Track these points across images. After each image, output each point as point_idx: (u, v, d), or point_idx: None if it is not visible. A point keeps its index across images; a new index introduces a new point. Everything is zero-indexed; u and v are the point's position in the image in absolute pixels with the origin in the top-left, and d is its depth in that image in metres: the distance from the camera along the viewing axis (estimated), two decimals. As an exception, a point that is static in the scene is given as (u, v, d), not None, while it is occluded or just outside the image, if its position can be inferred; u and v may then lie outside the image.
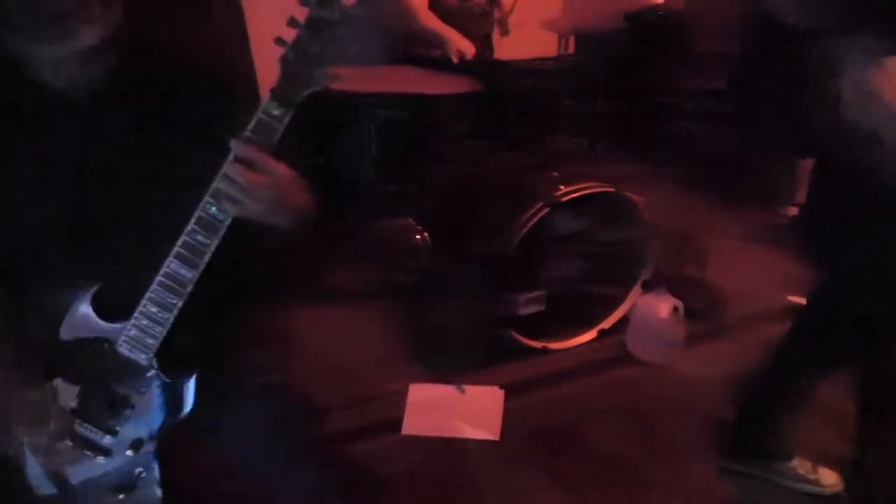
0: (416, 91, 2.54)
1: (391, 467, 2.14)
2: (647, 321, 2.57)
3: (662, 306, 2.56)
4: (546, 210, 2.36)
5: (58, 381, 1.21)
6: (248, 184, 1.05)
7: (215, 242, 1.09)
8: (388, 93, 2.60)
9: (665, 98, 2.87)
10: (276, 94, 1.04)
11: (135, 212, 1.16)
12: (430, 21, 2.81)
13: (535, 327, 2.57)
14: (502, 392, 2.44)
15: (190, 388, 1.22)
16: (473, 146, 2.77)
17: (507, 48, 3.06)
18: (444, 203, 2.78)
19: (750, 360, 2.26)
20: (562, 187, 2.41)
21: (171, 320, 1.13)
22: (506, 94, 2.64)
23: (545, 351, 2.62)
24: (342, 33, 1.01)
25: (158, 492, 1.27)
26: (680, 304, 2.58)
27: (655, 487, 2.08)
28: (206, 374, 1.24)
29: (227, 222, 1.09)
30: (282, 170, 1.08)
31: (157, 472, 1.27)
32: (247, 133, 1.06)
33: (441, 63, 2.78)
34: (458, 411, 2.39)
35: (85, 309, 1.17)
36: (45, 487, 1.24)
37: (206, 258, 1.09)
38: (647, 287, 2.67)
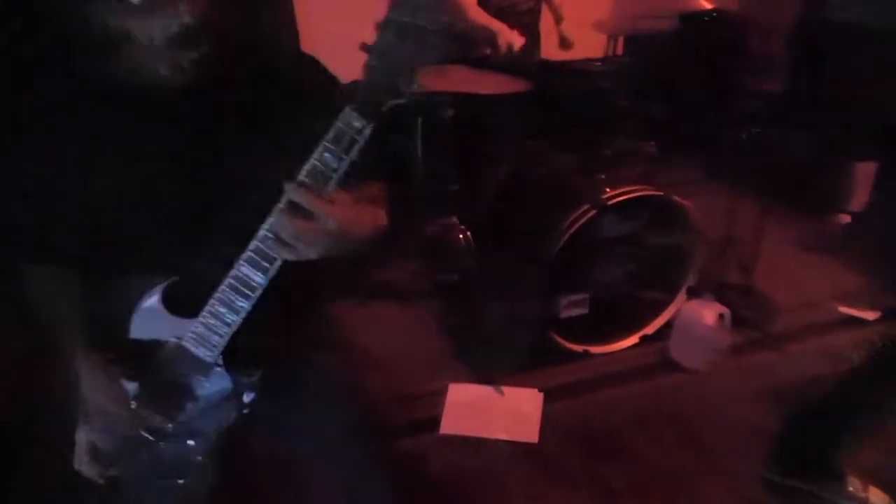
0: (465, 91, 2.53)
1: (428, 466, 2.15)
2: (691, 328, 2.53)
3: (708, 313, 2.51)
4: (592, 212, 2.34)
5: (120, 368, 1.23)
6: (301, 233, 1.01)
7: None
8: (436, 92, 2.60)
9: (718, 101, 2.81)
10: (358, 104, 0.98)
11: (213, 207, 1.15)
12: (478, 17, 2.81)
13: (578, 331, 2.55)
14: (541, 395, 2.43)
15: (254, 384, 1.22)
16: (520, 147, 2.75)
17: (555, 48, 3.04)
18: (488, 203, 2.77)
19: (798, 372, 2.22)
20: (608, 190, 2.38)
21: (238, 322, 1.13)
22: (554, 94, 2.62)
23: (586, 355, 2.59)
24: (430, 39, 0.95)
25: (213, 480, 1.29)
26: (726, 311, 2.53)
27: (699, 496, 2.05)
28: (272, 371, 1.24)
29: None
30: (342, 211, 1.02)
31: (213, 461, 1.28)
32: (301, 178, 1.00)
33: (491, 63, 2.78)
34: (496, 413, 2.38)
35: (155, 302, 1.18)
36: (101, 469, 1.27)
37: (278, 265, 1.07)
38: (693, 293, 2.62)
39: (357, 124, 0.98)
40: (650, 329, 2.67)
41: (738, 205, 2.71)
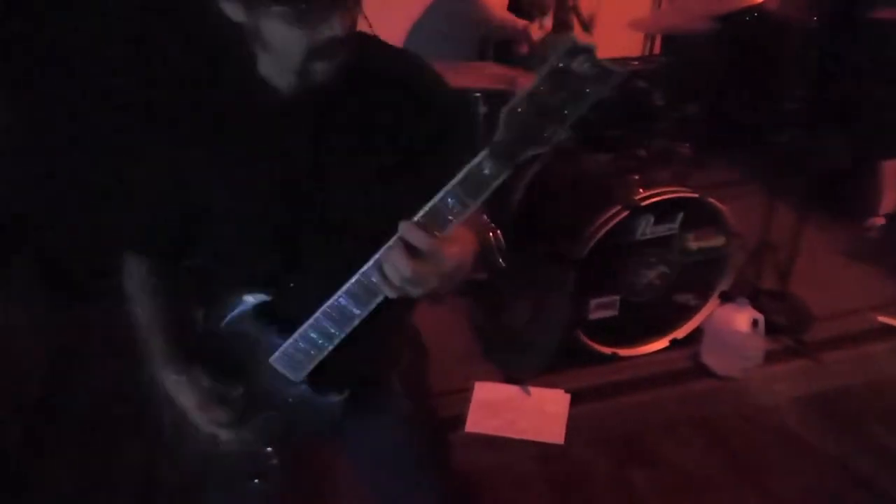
0: (498, 87, 2.51)
1: (454, 464, 2.14)
2: (724, 333, 2.48)
3: (741, 319, 2.46)
4: (625, 213, 2.31)
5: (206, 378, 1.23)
6: (413, 275, 0.95)
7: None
8: (469, 88, 2.59)
9: (756, 102, 2.75)
10: (495, 149, 0.89)
11: (323, 227, 1.13)
12: (507, 14, 2.79)
13: (606, 333, 2.52)
14: (568, 396, 2.41)
15: (339, 404, 1.22)
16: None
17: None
18: (519, 202, 2.74)
19: (833, 382, 2.16)
20: (641, 190, 2.34)
21: (329, 349, 1.11)
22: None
23: (615, 357, 2.56)
24: (588, 90, 0.84)
25: (287, 484, 1.32)
26: (760, 317, 2.47)
27: (728, 504, 2.01)
28: (359, 390, 1.23)
29: None
30: (454, 250, 0.98)
31: (289, 467, 1.30)
32: (418, 216, 0.94)
33: (525, 60, 2.76)
34: (522, 412, 2.36)
35: (248, 316, 1.17)
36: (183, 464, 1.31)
37: (378, 300, 1.03)
38: (727, 298, 2.57)
39: (488, 172, 0.90)
40: (681, 333, 2.62)
41: (775, 208, 2.64)
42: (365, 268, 1.01)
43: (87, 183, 2.59)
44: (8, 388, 2.28)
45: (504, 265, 2.76)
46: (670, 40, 3.23)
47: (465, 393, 2.41)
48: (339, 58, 1.00)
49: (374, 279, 1.00)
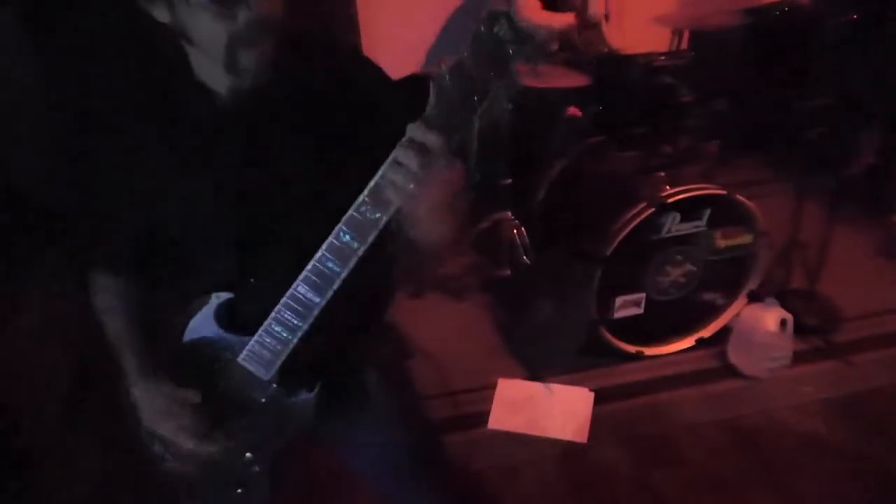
0: (524, 84, 2.50)
1: (476, 461, 2.14)
2: (751, 333, 2.44)
3: (770, 318, 2.42)
4: (650, 210, 2.28)
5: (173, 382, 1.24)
6: (422, 172, 0.94)
7: (346, 272, 1.04)
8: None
9: (785, 99, 2.69)
10: (429, 122, 0.94)
11: (276, 225, 1.14)
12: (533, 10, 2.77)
13: (631, 331, 2.50)
14: (592, 394, 2.39)
15: (311, 401, 1.21)
16: (578, 141, 2.70)
17: (617, 42, 2.97)
18: (543, 198, 2.73)
19: (863, 384, 2.12)
20: (667, 187, 2.32)
21: (294, 341, 1.12)
22: (615, 89, 2.56)
23: (640, 356, 2.54)
24: (511, 51, 0.88)
25: (271, 491, 1.31)
26: (789, 317, 2.43)
27: (756, 508, 1.99)
28: (330, 385, 1.23)
29: (360, 252, 1.03)
30: (458, 168, 0.99)
31: (269, 473, 1.30)
32: (428, 114, 0.94)
33: (551, 56, 2.74)
34: (545, 410, 2.35)
35: (210, 318, 1.19)
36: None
37: (336, 285, 1.05)
38: (755, 297, 2.54)
39: (423, 138, 0.94)
40: (707, 332, 2.59)
41: (805, 206, 2.60)
42: (319, 252, 1.03)
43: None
44: (40, 381, 2.32)
45: (528, 262, 2.76)
46: (698, 35, 3.18)
47: (488, 390, 2.41)
48: (265, 46, 1.00)
49: (348, 238, 1.01)
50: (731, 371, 2.48)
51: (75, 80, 2.17)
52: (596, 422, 2.28)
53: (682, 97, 2.41)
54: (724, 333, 2.57)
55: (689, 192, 2.31)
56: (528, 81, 2.51)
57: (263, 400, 1.21)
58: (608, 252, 2.29)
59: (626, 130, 2.56)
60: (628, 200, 2.33)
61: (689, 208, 2.34)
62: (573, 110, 2.71)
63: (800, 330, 2.53)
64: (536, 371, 2.48)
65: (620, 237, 2.29)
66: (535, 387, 2.44)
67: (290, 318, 1.09)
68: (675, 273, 2.45)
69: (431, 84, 0.92)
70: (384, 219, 1.00)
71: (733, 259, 2.48)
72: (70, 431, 2.35)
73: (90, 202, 1.20)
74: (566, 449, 2.20)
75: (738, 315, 2.54)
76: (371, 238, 1.02)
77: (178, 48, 1.03)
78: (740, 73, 2.89)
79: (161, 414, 1.21)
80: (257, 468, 1.28)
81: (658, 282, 2.45)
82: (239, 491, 1.31)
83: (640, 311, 2.48)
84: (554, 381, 2.44)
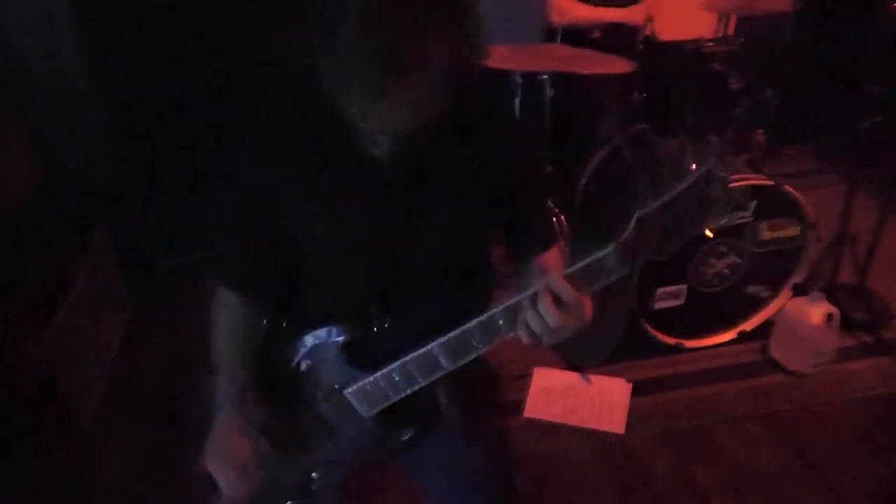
0: (567, 70, 2.45)
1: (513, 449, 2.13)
2: (796, 327, 2.39)
3: (816, 312, 2.36)
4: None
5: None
6: (558, 327, 0.97)
7: (486, 348, 1.05)
8: (536, 71, 2.54)
9: (837, 87, 2.61)
10: (621, 249, 0.95)
11: (420, 272, 1.16)
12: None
13: (672, 323, 2.46)
14: (630, 385, 2.36)
15: (403, 441, 1.24)
16: (621, 129, 2.65)
17: (663, 28, 2.91)
18: (585, 186, 2.69)
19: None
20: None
21: (407, 392, 1.13)
22: (660, 76, 2.50)
23: (679, 348, 2.50)
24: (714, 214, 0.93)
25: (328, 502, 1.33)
26: (836, 311, 2.37)
27: (796, 506, 1.95)
28: (424, 427, 1.25)
29: (506, 337, 1.04)
30: (589, 312, 1.01)
31: (336, 487, 1.32)
32: (571, 271, 0.97)
33: (595, 42, 2.69)
34: (582, 400, 2.33)
35: (331, 346, 1.19)
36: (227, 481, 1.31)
37: (471, 357, 1.06)
38: (800, 291, 2.48)
39: (609, 265, 0.97)
40: (749, 325, 2.54)
41: (855, 199, 2.52)
42: (469, 325, 1.03)
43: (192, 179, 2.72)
44: (88, 355, 2.37)
45: (568, 251, 2.73)
46: (746, 21, 3.10)
47: (526, 379, 2.40)
48: (425, 113, 1.00)
49: (501, 323, 1.02)
50: (773, 365, 2.44)
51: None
52: (634, 414, 2.25)
53: (731, 84, 2.35)
54: (766, 327, 2.52)
55: (734, 183, 2.25)
56: (571, 68, 2.48)
57: (352, 432, 1.23)
58: (650, 242, 2.25)
59: (672, 118, 2.51)
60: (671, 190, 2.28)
61: (736, 199, 2.28)
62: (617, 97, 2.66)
63: (847, 325, 2.47)
64: (575, 362, 2.46)
65: (663, 227, 2.24)
66: (573, 376, 2.42)
67: (413, 371, 1.10)
68: (718, 265, 2.40)
69: (635, 217, 0.94)
70: None
71: (779, 251, 2.43)
72: (116, 408, 2.40)
73: (234, 220, 1.23)
74: (603, 440, 2.18)
75: (782, 309, 2.48)
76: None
77: (348, 127, 1.04)
78: (790, 59, 2.81)
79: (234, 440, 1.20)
80: (315, 487, 1.30)
81: (701, 273, 2.40)
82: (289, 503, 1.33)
83: (681, 302, 2.44)
84: (592, 372, 2.42)
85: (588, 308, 0.99)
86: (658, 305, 2.42)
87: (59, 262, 2.35)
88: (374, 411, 1.18)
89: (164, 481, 2.12)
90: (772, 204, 2.33)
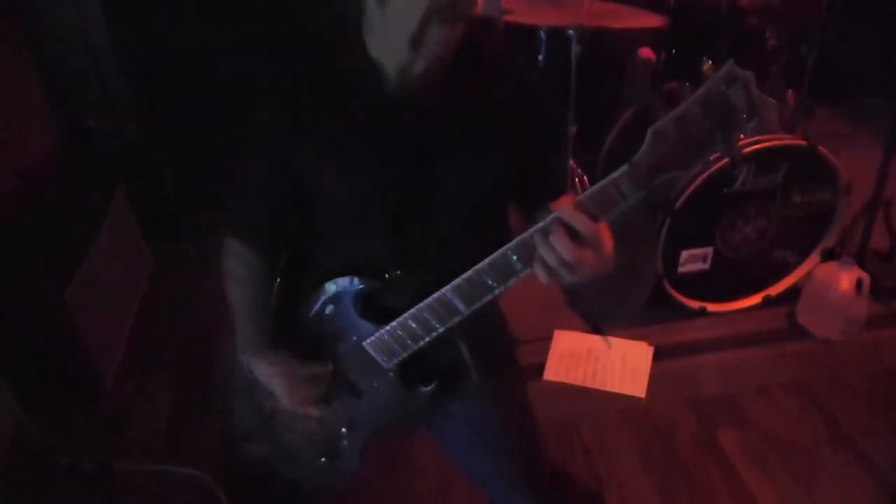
0: (596, 25, 2.37)
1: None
2: (825, 293, 2.33)
3: (845, 279, 2.30)
4: (724, 161, 2.17)
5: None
6: (574, 261, 0.90)
7: (502, 289, 1.01)
8: (562, 26, 2.46)
9: (877, 45, 2.49)
10: (634, 168, 0.87)
11: (435, 215, 1.13)
12: None
13: (696, 286, 2.41)
14: (651, 349, 2.33)
15: (426, 396, 1.22)
16: (649, 87, 2.58)
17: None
18: (611, 146, 2.63)
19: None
20: (743, 137, 2.20)
21: (426, 341, 1.11)
22: (692, 30, 2.41)
23: (703, 312, 2.46)
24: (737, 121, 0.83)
25: (356, 464, 1.33)
26: (866, 277, 2.31)
27: (823, 473, 1.92)
28: (446, 383, 1.23)
29: (522, 275, 0.98)
30: (609, 246, 0.93)
31: (361, 447, 1.31)
32: (582, 197, 0.90)
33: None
34: (603, 363, 2.31)
35: (345, 299, 1.17)
36: (256, 437, 1.33)
37: (487, 299, 1.02)
38: (830, 255, 2.42)
39: (625, 189, 0.88)
40: (775, 291, 2.49)
41: (891, 162, 2.43)
42: (480, 265, 0.99)
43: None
44: (109, 314, 2.38)
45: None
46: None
47: (546, 341, 2.38)
48: (454, 29, 0.97)
49: (515, 259, 0.96)
50: (800, 332, 2.39)
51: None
52: (657, 378, 2.23)
53: (765, 40, 2.26)
54: (792, 293, 2.47)
55: (766, 143, 2.19)
56: (600, 23, 2.40)
57: (376, 384, 1.22)
58: (678, 204, 2.20)
59: (700, 74, 2.42)
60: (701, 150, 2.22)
61: (765, 160, 2.22)
62: (647, 53, 2.58)
63: (877, 292, 2.41)
64: (597, 325, 2.43)
65: (691, 189, 2.19)
66: (594, 339, 2.40)
67: (429, 318, 1.07)
68: (746, 228, 2.35)
69: (649, 132, 0.86)
70: None
71: (810, 215, 2.37)
72: (139, 366, 2.42)
73: (236, 167, 1.19)
74: (625, 404, 2.16)
75: (810, 274, 2.43)
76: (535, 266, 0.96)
77: (357, 31, 1.03)
78: (832, 16, 2.69)
79: (283, 387, 1.21)
80: (347, 443, 1.30)
81: (728, 237, 2.35)
82: (323, 460, 1.33)
83: (707, 266, 2.39)
84: (614, 335, 2.39)
85: (607, 240, 0.92)
86: (683, 269, 2.38)
87: (81, 221, 2.35)
88: (395, 362, 1.17)
89: (186, 437, 2.14)
90: (804, 166, 2.26)
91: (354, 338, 1.18)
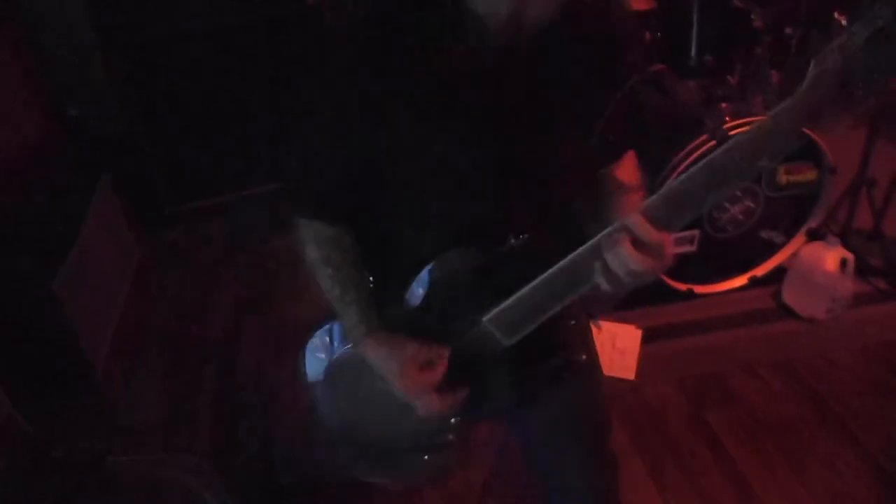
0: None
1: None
2: (810, 272, 2.36)
3: (830, 258, 2.33)
4: (711, 143, 2.18)
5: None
6: (641, 268, 0.87)
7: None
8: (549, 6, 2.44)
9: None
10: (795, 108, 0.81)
11: (537, 176, 1.05)
12: None
13: (683, 269, 2.43)
14: (640, 331, 2.35)
15: (533, 378, 1.17)
16: (637, 69, 2.57)
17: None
18: (601, 130, 2.62)
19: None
20: (728, 119, 2.21)
21: (556, 309, 1.00)
22: (678, 12, 2.40)
23: (690, 294, 2.48)
24: None
25: (456, 458, 1.26)
26: (850, 257, 2.34)
27: (812, 450, 1.95)
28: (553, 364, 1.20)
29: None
30: (671, 254, 0.90)
31: (467, 438, 1.25)
32: (650, 205, 0.86)
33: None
34: (593, 347, 2.32)
35: (464, 277, 1.07)
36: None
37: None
38: (815, 236, 2.44)
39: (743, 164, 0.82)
40: (760, 271, 2.52)
41: (875, 142, 2.45)
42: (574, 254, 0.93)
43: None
44: (97, 303, 2.37)
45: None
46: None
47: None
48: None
49: (586, 265, 0.92)
50: (786, 311, 2.42)
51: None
52: (647, 360, 2.25)
53: (751, 22, 2.26)
54: (778, 273, 2.49)
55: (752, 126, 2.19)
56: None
57: (492, 365, 1.12)
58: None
59: (687, 57, 2.43)
60: (688, 133, 2.23)
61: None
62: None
63: (862, 271, 2.45)
64: (589, 308, 2.44)
65: (679, 171, 2.20)
66: (582, 322, 2.41)
67: (559, 286, 0.96)
68: (733, 209, 2.36)
69: (813, 65, 0.78)
70: None
71: (796, 196, 2.38)
72: (129, 355, 2.41)
73: (307, 145, 1.10)
74: (615, 386, 2.18)
75: (796, 254, 2.45)
76: None
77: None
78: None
79: (397, 373, 1.10)
80: (453, 436, 1.22)
81: (715, 218, 2.37)
82: (426, 458, 1.26)
83: (693, 248, 2.41)
84: (602, 318, 2.41)
85: (670, 248, 0.89)
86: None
87: (65, 211, 2.32)
88: (518, 337, 1.05)
89: (180, 427, 2.14)
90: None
91: (472, 316, 1.07)
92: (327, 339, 1.23)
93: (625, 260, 0.87)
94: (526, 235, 1.05)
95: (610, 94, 1.06)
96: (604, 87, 1.05)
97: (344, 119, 1.02)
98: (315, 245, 1.12)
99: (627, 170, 1.17)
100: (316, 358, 1.25)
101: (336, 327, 1.22)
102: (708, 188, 0.85)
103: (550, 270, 0.96)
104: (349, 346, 1.17)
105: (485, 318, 1.05)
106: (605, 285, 0.91)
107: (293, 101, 1.09)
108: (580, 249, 0.92)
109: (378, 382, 1.13)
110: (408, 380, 1.09)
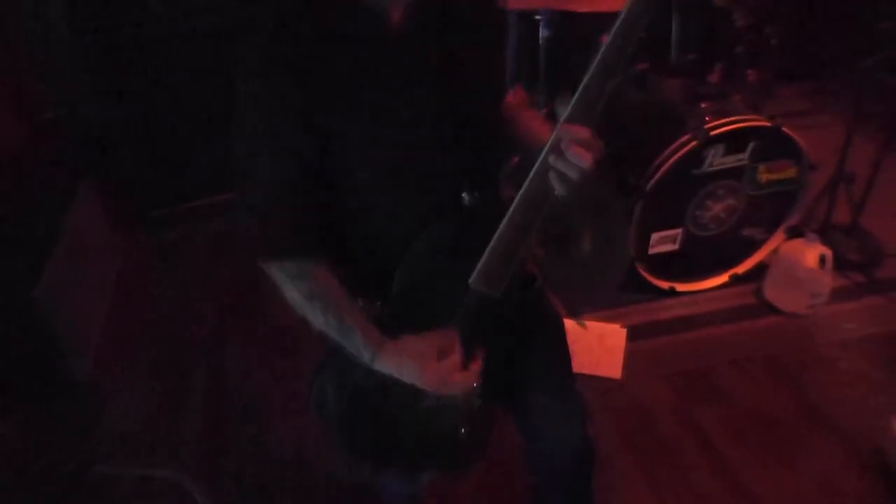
0: (562, 8, 2.38)
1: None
2: (790, 269, 2.39)
3: (809, 254, 2.36)
4: (693, 143, 2.20)
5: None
6: (588, 166, 0.97)
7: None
8: (532, 10, 2.46)
9: (839, 26, 2.53)
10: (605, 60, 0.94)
11: (473, 135, 1.12)
12: None
13: (666, 267, 2.46)
14: (624, 331, 2.37)
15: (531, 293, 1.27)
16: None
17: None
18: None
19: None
20: (708, 119, 2.23)
21: (526, 243, 1.06)
22: (663, 12, 2.42)
23: (672, 292, 2.50)
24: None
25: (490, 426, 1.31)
26: (829, 252, 2.37)
27: (799, 444, 1.98)
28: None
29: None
30: (598, 142, 1.01)
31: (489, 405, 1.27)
32: (571, 112, 0.97)
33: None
34: (578, 346, 2.31)
35: (443, 250, 1.12)
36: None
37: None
38: (794, 233, 2.48)
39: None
40: (742, 268, 2.55)
41: (853, 140, 2.49)
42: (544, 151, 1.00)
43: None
44: (80, 310, 2.34)
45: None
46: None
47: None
48: None
49: (542, 185, 1.01)
50: (768, 308, 2.45)
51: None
52: (633, 358, 2.27)
53: (732, 21, 2.29)
54: (758, 270, 2.53)
55: (732, 125, 2.22)
56: (567, 6, 2.40)
57: (497, 313, 1.14)
58: (649, 186, 2.23)
59: (667, 58, 2.45)
60: (671, 133, 2.25)
61: (732, 141, 2.26)
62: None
63: (841, 266, 2.49)
64: (572, 307, 2.46)
65: (661, 172, 2.22)
66: (569, 323, 2.42)
67: (524, 215, 1.03)
68: (716, 208, 2.39)
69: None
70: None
71: (777, 193, 2.42)
72: (114, 360, 2.38)
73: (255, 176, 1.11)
74: (602, 385, 2.19)
75: (776, 251, 2.49)
76: None
77: None
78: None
79: (420, 375, 1.11)
80: (481, 401, 1.24)
81: (698, 217, 2.39)
82: (463, 431, 1.26)
83: (676, 247, 2.44)
84: (588, 318, 2.42)
85: (594, 138, 0.99)
86: (653, 250, 2.41)
87: (46, 215, 2.29)
88: (504, 285, 1.09)
89: (164, 433, 2.12)
90: (770, 145, 2.30)
91: (461, 286, 1.10)
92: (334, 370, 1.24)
93: (575, 160, 0.97)
94: (476, 193, 1.13)
95: (500, 35, 1.27)
96: (492, 29, 1.22)
97: (287, 137, 1.05)
98: (293, 284, 1.12)
99: (510, 95, 1.32)
100: (326, 391, 1.25)
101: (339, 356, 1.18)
102: (604, 81, 0.96)
103: (511, 208, 1.04)
104: (362, 371, 1.15)
105: (470, 282, 1.10)
106: (562, 190, 1.01)
107: (237, 140, 1.10)
108: (530, 174, 1.02)
109: (405, 390, 1.13)
110: (431, 374, 1.10)
